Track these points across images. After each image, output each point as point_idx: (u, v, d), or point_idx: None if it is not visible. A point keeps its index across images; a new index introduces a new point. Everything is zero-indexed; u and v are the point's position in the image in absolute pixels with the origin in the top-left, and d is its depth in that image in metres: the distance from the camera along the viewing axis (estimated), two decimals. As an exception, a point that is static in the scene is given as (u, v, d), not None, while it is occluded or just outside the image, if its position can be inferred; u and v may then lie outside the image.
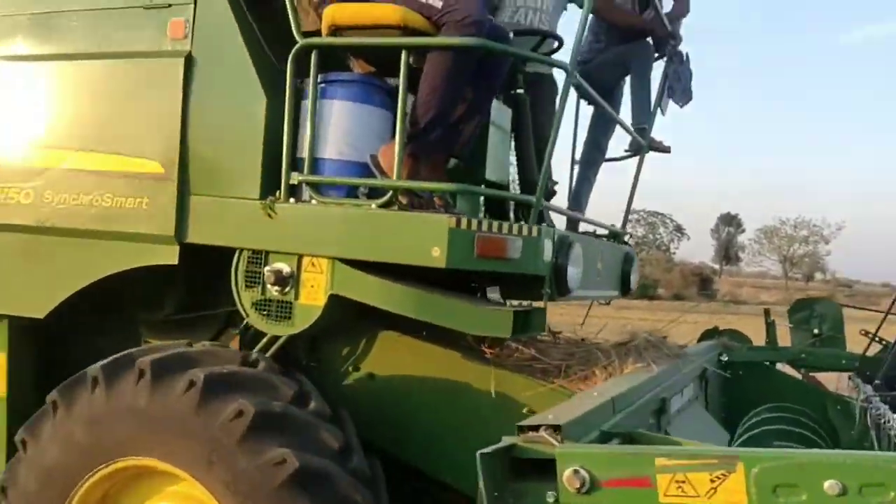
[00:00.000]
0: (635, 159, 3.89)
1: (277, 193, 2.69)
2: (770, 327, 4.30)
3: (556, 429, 1.62)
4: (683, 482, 1.40)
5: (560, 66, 2.74)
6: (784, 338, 4.44)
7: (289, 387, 2.59)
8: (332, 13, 2.66)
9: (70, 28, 3.01)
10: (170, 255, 2.83)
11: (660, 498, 1.43)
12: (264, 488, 2.35)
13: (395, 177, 2.58)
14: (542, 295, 2.70)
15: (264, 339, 2.90)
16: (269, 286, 2.70)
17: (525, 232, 2.57)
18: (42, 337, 3.31)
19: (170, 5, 2.83)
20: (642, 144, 3.77)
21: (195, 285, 3.24)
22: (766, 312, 4.43)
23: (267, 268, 2.71)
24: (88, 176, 2.90)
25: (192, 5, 2.80)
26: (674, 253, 59.72)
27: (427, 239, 2.49)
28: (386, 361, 3.02)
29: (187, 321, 3.41)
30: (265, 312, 2.74)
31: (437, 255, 2.47)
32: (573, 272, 2.73)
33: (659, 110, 3.72)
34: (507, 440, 1.67)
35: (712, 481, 1.40)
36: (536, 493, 1.60)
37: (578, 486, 1.49)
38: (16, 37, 3.10)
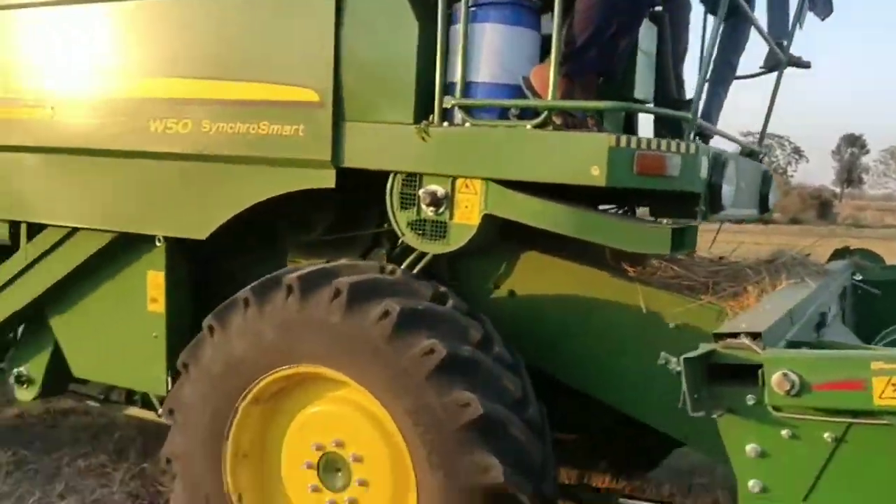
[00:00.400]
0: (771, 76, 3.80)
1: (431, 117, 2.77)
2: None
3: (754, 336, 1.68)
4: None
5: None
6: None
7: (476, 329, 2.68)
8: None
9: None
10: (327, 179, 2.96)
11: (875, 400, 1.49)
12: (447, 426, 2.48)
13: (549, 97, 2.62)
14: (693, 213, 2.73)
15: (410, 257, 3.04)
16: (424, 207, 2.81)
17: (683, 149, 2.59)
18: (194, 257, 3.55)
19: None
20: (781, 60, 3.68)
21: (343, 207, 3.38)
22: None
23: (422, 189, 2.81)
24: (244, 105, 3.03)
25: (341, -76, 2.84)
26: (791, 176, 57.53)
27: (587, 158, 2.53)
28: (527, 280, 3.12)
29: (333, 242, 3.55)
30: (420, 232, 2.86)
31: (596, 174, 2.52)
32: (727, 190, 2.75)
33: (797, 24, 3.61)
34: (706, 346, 1.73)
35: (928, 383, 1.44)
36: (734, 397, 1.67)
37: (788, 388, 1.55)
38: None
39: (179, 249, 3.52)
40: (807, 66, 3.91)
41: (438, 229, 2.83)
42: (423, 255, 3.08)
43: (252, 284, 2.82)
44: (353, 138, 2.88)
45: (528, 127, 2.64)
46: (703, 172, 2.65)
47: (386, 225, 3.26)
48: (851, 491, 1.57)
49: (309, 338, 2.69)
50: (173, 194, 3.30)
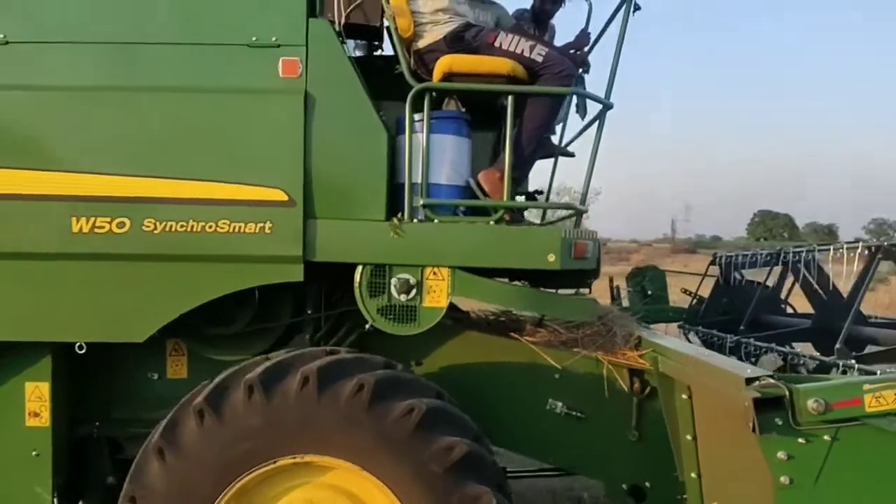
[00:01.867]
0: None
1: (400, 215, 3.13)
2: (617, 291, 5.48)
3: (770, 377, 2.42)
4: (879, 397, 2.29)
5: (604, 102, 3.46)
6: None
7: (430, 385, 3.05)
8: (449, 62, 3.16)
9: (165, 59, 3.09)
10: (295, 273, 3.11)
11: (866, 409, 2.30)
12: (436, 472, 2.81)
13: (505, 197, 3.18)
14: (584, 283, 3.49)
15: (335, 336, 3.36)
16: (395, 294, 3.14)
17: (593, 237, 3.34)
18: (78, 362, 3.34)
19: (279, 45, 3.08)
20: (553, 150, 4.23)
21: (267, 301, 3.48)
22: (611, 280, 5.59)
23: (395, 278, 3.14)
24: (200, 203, 3.05)
25: (305, 47, 3.09)
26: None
27: (544, 247, 3.13)
28: (434, 351, 3.58)
29: (246, 334, 3.58)
30: (391, 317, 3.17)
31: (552, 260, 3.13)
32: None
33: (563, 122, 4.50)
34: (749, 389, 2.41)
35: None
36: (766, 420, 2.37)
37: (822, 409, 2.31)
38: (111, 65, 3.09)
39: (65, 356, 3.29)
40: (571, 155, 4.91)
41: (409, 313, 3.17)
42: (347, 335, 3.39)
43: (257, 371, 2.85)
44: (323, 234, 3.09)
45: (491, 223, 3.17)
46: (595, 252, 3.42)
47: (309, 311, 3.51)
48: (845, 471, 2.37)
49: (325, 429, 2.83)
50: (100, 298, 3.11)
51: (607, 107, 3.38)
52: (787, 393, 2.35)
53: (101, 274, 3.09)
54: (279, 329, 3.62)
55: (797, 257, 5.14)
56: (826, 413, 2.31)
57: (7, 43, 3.07)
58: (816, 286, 4.90)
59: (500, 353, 3.60)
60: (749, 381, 2.42)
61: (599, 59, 3.74)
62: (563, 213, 4.06)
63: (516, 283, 3.40)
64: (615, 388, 3.58)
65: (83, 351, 3.17)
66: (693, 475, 3.13)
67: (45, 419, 3.34)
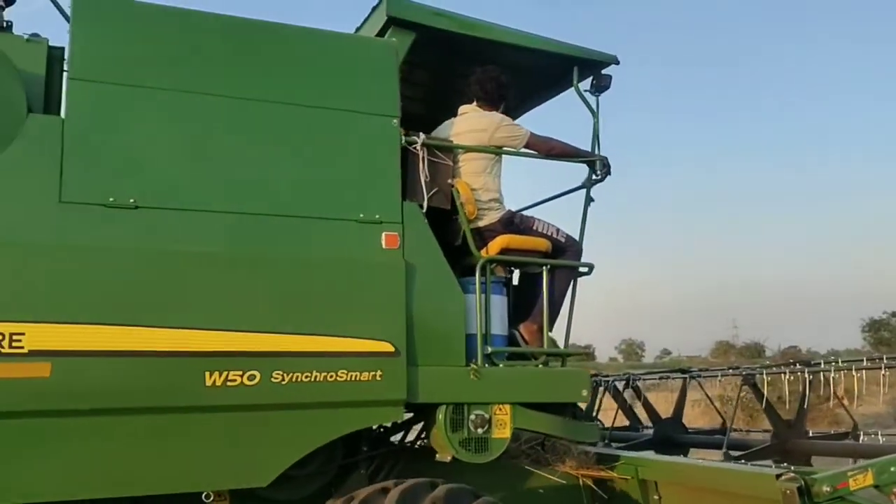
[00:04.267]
0: None
1: (474, 361, 3.81)
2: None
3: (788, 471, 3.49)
4: (856, 479, 3.46)
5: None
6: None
7: None
8: (507, 241, 4.03)
9: (286, 230, 3.51)
10: (398, 414, 3.61)
11: (851, 486, 3.44)
12: None
13: (545, 345, 4.04)
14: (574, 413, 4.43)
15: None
16: (473, 428, 3.77)
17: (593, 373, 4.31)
18: None
19: (381, 222, 3.69)
20: None
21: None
22: None
23: (472, 415, 3.77)
24: (321, 357, 3.44)
25: (401, 224, 3.73)
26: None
27: (579, 385, 4.02)
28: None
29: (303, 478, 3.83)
30: (469, 448, 3.77)
31: (584, 394, 4.02)
32: None
33: None
34: (785, 482, 3.42)
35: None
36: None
37: (830, 491, 3.39)
38: (238, 233, 3.41)
39: None
40: None
41: (483, 444, 3.80)
42: (390, 471, 3.93)
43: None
44: (420, 379, 3.65)
45: (540, 367, 3.99)
46: None
47: (365, 450, 3.98)
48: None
49: None
50: (229, 446, 3.30)
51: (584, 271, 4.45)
52: (803, 482, 3.46)
53: (232, 424, 3.31)
54: (334, 467, 3.96)
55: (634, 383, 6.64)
56: (832, 493, 3.45)
57: (137, 208, 3.29)
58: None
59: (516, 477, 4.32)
60: (777, 476, 3.50)
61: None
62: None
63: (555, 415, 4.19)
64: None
65: (209, 500, 3.30)
66: None
67: None
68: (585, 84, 4.58)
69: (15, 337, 2.99)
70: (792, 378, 5.79)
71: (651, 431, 6.54)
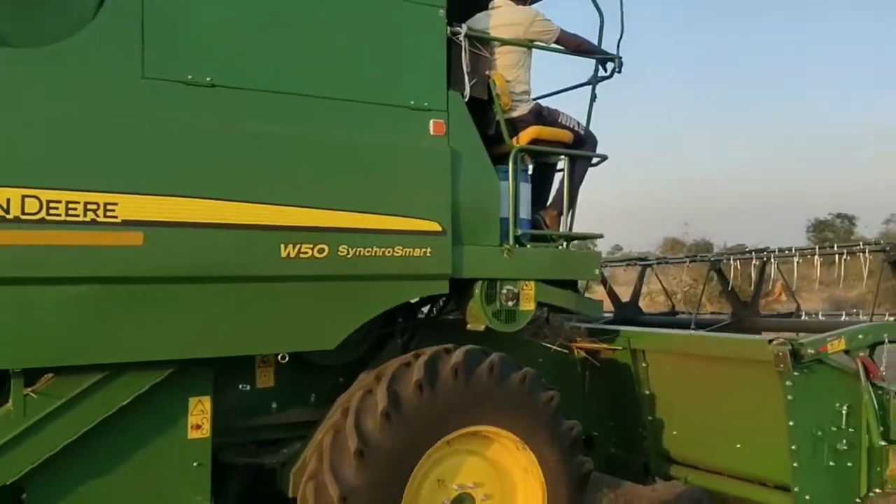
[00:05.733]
0: None
1: (507, 242, 4.17)
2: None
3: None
4: (832, 345, 4.08)
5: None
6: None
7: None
8: (537, 132, 4.34)
9: (344, 113, 3.69)
10: (444, 287, 3.96)
11: (829, 350, 4.07)
12: (564, 446, 4.08)
13: (561, 229, 4.44)
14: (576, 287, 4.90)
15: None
16: (504, 301, 4.17)
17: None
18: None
19: (430, 109, 3.92)
20: None
21: None
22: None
23: (504, 289, 4.16)
24: (381, 234, 3.72)
25: (446, 112, 3.96)
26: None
27: (592, 264, 4.46)
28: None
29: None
30: (500, 318, 4.18)
31: (596, 273, 4.47)
32: None
33: None
34: (777, 346, 3.99)
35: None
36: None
37: (813, 353, 3.96)
38: (305, 114, 3.58)
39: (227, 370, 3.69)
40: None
41: (511, 315, 4.21)
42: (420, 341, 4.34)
43: (459, 357, 3.83)
44: (462, 256, 3.99)
45: (560, 248, 4.39)
46: None
47: (400, 321, 4.34)
48: (815, 386, 4.14)
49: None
50: (301, 313, 3.58)
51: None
52: (791, 346, 4.05)
53: (303, 293, 3.58)
54: (372, 337, 4.31)
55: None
56: (815, 355, 4.05)
57: (213, 86, 3.41)
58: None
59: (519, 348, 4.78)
60: (770, 341, 4.07)
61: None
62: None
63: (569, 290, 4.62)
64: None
65: (285, 360, 3.60)
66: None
67: (206, 431, 3.63)
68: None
69: (109, 207, 3.13)
70: (740, 267, 6.47)
71: (611, 315, 7.17)
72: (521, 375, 3.97)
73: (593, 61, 4.81)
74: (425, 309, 4.88)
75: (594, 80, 4.88)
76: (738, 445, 4.42)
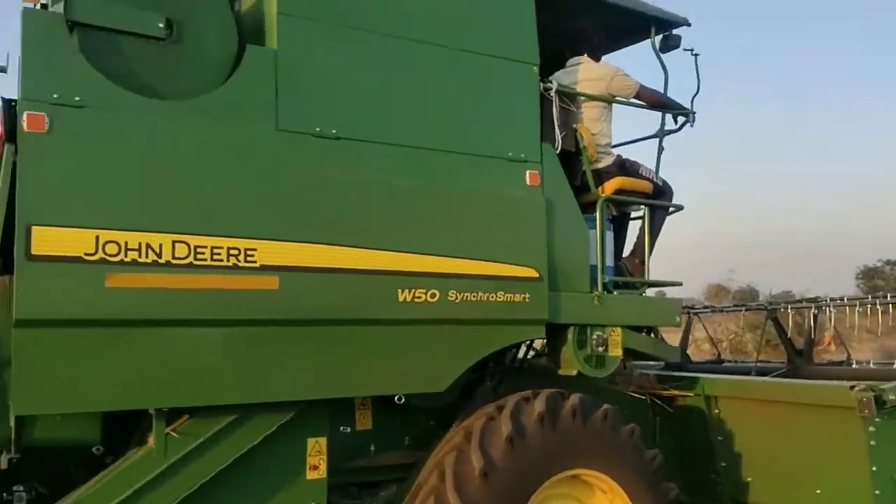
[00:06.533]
0: None
1: (596, 289, 4.32)
2: None
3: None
4: None
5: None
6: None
7: None
8: (621, 182, 4.54)
9: (449, 165, 3.88)
10: (540, 332, 4.10)
11: None
12: (648, 476, 4.17)
13: (647, 276, 4.60)
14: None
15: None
16: (595, 347, 4.30)
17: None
18: None
19: (526, 161, 4.11)
20: None
21: None
22: None
23: (595, 335, 4.30)
24: (485, 279, 3.87)
25: (540, 163, 4.16)
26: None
27: (674, 312, 4.61)
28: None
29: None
30: (591, 364, 4.31)
31: (678, 321, 4.62)
32: None
33: None
34: (860, 392, 4.12)
35: None
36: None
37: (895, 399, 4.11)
38: (420, 167, 3.77)
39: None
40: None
41: (601, 361, 4.34)
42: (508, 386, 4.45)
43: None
44: (556, 302, 4.14)
45: (643, 295, 4.54)
46: None
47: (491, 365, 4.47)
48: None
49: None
50: (415, 356, 3.71)
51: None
52: (874, 391, 4.17)
53: (417, 336, 3.71)
54: (463, 382, 4.42)
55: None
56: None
57: (338, 139, 3.60)
58: None
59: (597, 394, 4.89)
60: (851, 387, 4.20)
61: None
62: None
63: (651, 335, 4.77)
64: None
65: (401, 402, 3.71)
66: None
67: (322, 472, 3.73)
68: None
69: (249, 252, 3.29)
70: (796, 315, 6.62)
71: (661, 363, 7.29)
72: (602, 413, 4.07)
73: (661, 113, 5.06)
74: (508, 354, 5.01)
75: (662, 133, 5.12)
76: (818, 491, 4.50)
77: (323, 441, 3.73)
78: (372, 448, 4.23)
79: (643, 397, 5.08)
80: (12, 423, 3.04)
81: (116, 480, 3.21)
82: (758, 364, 6.48)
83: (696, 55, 4.95)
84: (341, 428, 4.14)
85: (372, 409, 4.24)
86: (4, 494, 3.28)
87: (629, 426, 4.13)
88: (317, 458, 3.71)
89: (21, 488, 3.29)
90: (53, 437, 3.17)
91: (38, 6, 3.61)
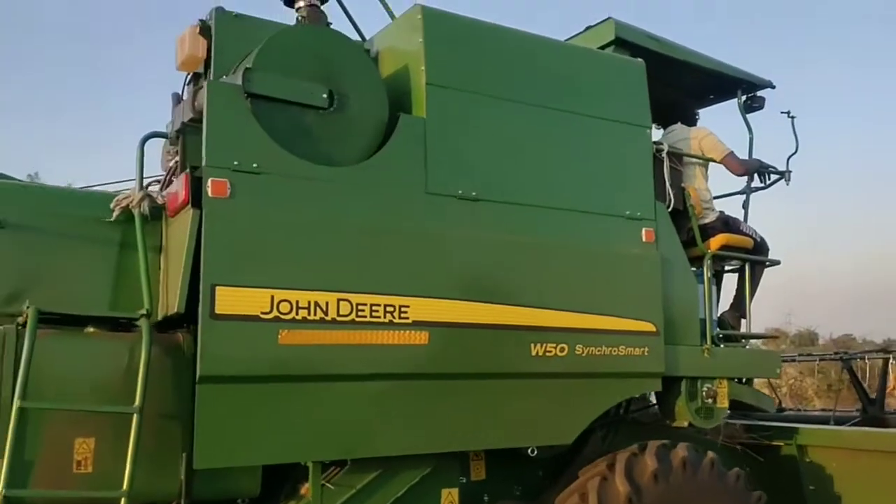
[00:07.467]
0: None
1: (705, 342, 4.45)
2: None
3: None
4: None
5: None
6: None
7: None
8: (726, 238, 4.69)
9: (571, 222, 4.03)
10: (657, 385, 4.22)
11: None
12: None
13: (749, 329, 4.73)
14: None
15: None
16: (705, 398, 4.42)
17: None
18: None
19: (641, 219, 4.27)
20: None
21: None
22: None
23: (705, 387, 4.42)
24: (609, 334, 4.01)
25: (654, 221, 4.32)
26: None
27: (775, 364, 4.74)
28: None
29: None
30: (701, 415, 4.42)
31: (777, 371, 4.75)
32: None
33: None
34: None
35: None
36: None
37: None
38: (550, 225, 3.93)
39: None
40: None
41: (710, 413, 4.46)
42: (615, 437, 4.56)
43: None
44: (670, 356, 4.27)
45: (747, 348, 4.68)
46: None
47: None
48: None
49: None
50: (546, 408, 3.83)
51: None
52: None
53: (548, 390, 3.84)
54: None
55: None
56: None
57: (477, 200, 3.77)
58: None
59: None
60: None
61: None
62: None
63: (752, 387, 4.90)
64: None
65: (534, 454, 3.83)
66: None
67: None
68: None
69: (403, 309, 3.44)
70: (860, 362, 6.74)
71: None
72: (709, 461, 4.18)
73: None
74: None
75: (749, 190, 5.29)
76: None
77: (455, 492, 3.84)
78: (485, 498, 4.32)
79: (734, 447, 5.18)
80: (182, 477, 3.17)
81: None
82: (824, 412, 6.59)
83: (792, 117, 5.14)
84: (459, 478, 4.25)
85: (485, 460, 4.34)
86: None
87: (734, 470, 4.23)
88: (450, 509, 3.82)
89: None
90: (220, 488, 3.29)
91: (191, 76, 3.85)
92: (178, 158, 3.77)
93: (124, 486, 2.88)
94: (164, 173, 3.99)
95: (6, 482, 2.74)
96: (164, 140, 4.01)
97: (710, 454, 4.19)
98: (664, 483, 3.97)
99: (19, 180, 4.09)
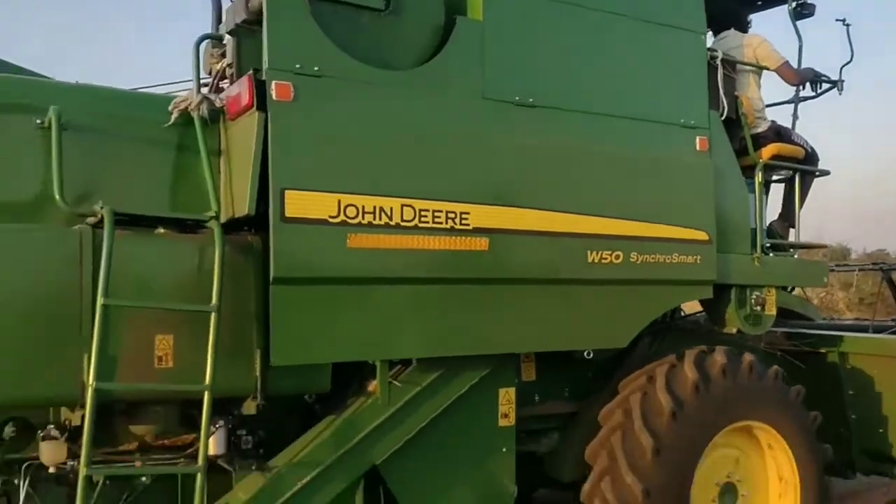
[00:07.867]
0: None
1: (755, 250, 4.48)
2: None
3: None
4: None
5: None
6: None
7: None
8: (778, 148, 4.66)
9: (626, 130, 4.01)
10: (708, 292, 4.27)
11: None
12: (809, 435, 4.38)
13: (798, 239, 4.74)
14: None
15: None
16: (754, 306, 4.47)
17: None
18: None
19: (696, 127, 4.24)
20: None
21: None
22: None
23: (754, 295, 4.47)
24: (663, 242, 4.04)
25: (708, 129, 4.28)
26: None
27: (822, 273, 4.77)
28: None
29: None
30: (750, 322, 4.49)
31: (825, 281, 4.77)
32: None
33: None
34: None
35: None
36: None
37: None
38: (604, 132, 3.92)
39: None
40: None
41: (758, 320, 4.52)
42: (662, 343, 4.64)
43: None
44: (721, 264, 4.30)
45: (796, 256, 4.69)
46: None
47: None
48: None
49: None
50: (601, 314, 3.90)
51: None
52: None
53: (603, 295, 3.91)
54: None
55: None
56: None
57: (534, 107, 3.75)
58: None
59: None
60: None
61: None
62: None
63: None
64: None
65: (590, 357, 3.92)
66: None
67: (511, 419, 3.97)
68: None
69: (463, 216, 3.48)
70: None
71: None
72: (773, 372, 4.27)
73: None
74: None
75: (797, 99, 5.21)
76: None
77: (512, 391, 3.96)
78: (536, 398, 4.45)
79: (775, 353, 5.25)
80: (258, 373, 3.28)
81: (344, 426, 3.47)
82: (866, 321, 6.62)
83: (847, 25, 5.00)
84: (515, 379, 4.36)
85: (535, 361, 4.45)
86: (233, 438, 3.54)
87: (796, 387, 4.34)
88: (507, 407, 3.94)
89: (245, 432, 3.55)
90: (294, 385, 3.41)
91: None
92: (225, 61, 3.76)
93: (206, 381, 3.00)
94: (210, 76, 3.96)
95: (96, 375, 2.86)
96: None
97: (748, 356, 4.25)
98: (731, 379, 4.10)
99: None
